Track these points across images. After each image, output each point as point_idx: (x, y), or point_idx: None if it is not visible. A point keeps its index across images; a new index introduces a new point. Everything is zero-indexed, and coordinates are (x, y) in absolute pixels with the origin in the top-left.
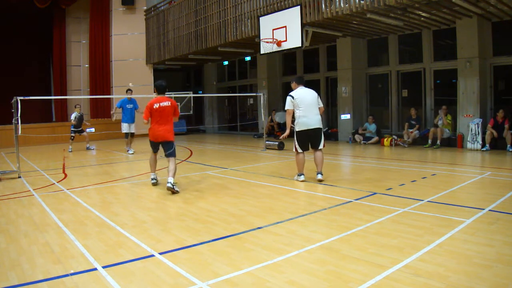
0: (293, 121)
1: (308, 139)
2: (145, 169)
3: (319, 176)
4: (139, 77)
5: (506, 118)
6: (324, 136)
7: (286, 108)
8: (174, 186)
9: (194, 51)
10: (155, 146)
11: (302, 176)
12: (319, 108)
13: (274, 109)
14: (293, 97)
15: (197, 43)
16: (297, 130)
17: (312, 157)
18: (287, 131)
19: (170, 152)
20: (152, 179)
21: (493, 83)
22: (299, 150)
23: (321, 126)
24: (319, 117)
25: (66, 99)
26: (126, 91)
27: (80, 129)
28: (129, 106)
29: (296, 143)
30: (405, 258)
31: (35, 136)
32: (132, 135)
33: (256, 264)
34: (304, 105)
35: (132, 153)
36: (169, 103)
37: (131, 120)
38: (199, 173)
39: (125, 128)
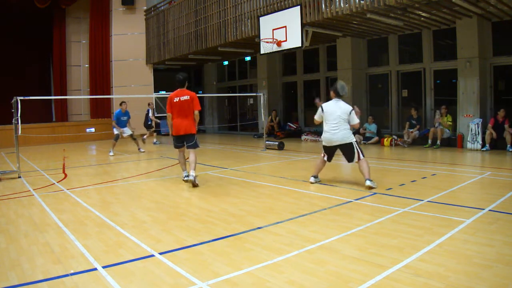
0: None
1: (331, 153)
2: (145, 169)
3: (368, 183)
4: (139, 77)
5: (507, 118)
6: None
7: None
8: (195, 179)
9: (194, 51)
10: (178, 140)
11: (312, 178)
12: (352, 125)
13: (274, 109)
14: (322, 109)
15: (197, 43)
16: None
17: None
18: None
19: (191, 144)
20: (185, 176)
21: (493, 83)
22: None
23: (346, 142)
24: (344, 132)
25: (66, 99)
26: (121, 104)
27: (150, 123)
28: (124, 118)
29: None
30: (405, 258)
31: (35, 136)
32: (133, 136)
33: (256, 264)
34: (329, 119)
35: (113, 155)
36: (188, 96)
37: (123, 127)
38: (199, 173)
39: (116, 130)
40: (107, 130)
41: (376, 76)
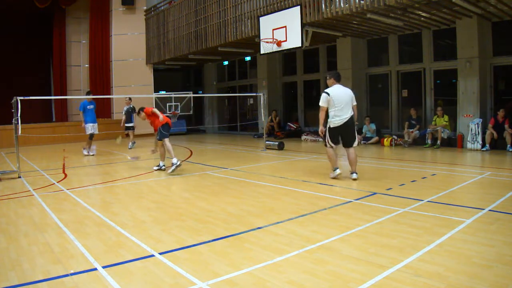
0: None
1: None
2: (145, 169)
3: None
4: (139, 77)
5: (507, 118)
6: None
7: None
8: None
9: (194, 51)
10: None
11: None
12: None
13: (274, 109)
14: (328, 94)
15: (197, 43)
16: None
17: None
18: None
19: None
20: (177, 162)
21: (493, 83)
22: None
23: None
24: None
25: (66, 99)
26: (87, 93)
27: (131, 125)
28: (90, 107)
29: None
30: (405, 258)
31: (35, 136)
32: (92, 136)
33: (256, 264)
34: (339, 103)
35: (94, 155)
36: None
37: (95, 120)
38: (199, 173)
39: (89, 129)
40: (107, 130)
41: (376, 76)
